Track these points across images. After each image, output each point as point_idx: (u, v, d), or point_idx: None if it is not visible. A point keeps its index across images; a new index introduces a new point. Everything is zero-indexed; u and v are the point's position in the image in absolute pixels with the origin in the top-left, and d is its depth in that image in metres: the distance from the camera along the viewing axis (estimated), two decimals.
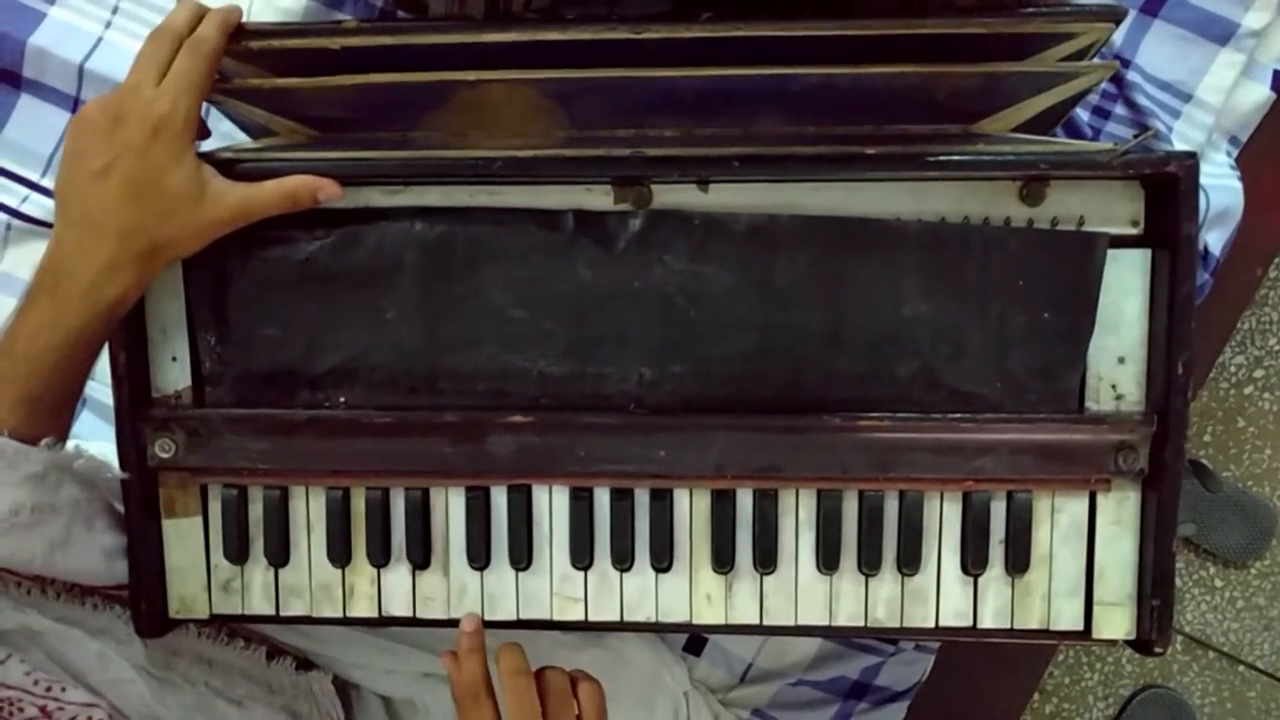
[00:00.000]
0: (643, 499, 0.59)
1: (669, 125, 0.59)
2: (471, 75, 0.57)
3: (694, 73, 0.56)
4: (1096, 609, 0.59)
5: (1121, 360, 0.57)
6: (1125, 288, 0.57)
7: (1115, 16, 0.57)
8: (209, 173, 0.55)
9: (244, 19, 0.58)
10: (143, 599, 0.60)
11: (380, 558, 0.60)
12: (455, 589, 0.61)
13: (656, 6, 0.58)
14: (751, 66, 0.56)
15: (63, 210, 0.55)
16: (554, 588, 0.60)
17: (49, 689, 0.51)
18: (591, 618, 0.61)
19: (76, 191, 0.54)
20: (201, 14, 0.56)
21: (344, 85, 0.57)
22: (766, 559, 0.59)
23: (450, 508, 0.60)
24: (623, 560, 0.60)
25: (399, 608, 0.61)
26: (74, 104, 0.79)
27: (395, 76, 0.57)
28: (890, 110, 0.59)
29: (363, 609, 0.61)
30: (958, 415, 0.57)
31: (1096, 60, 0.61)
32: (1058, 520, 0.59)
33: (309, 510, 0.61)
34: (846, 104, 0.58)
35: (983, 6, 0.56)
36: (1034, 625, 0.59)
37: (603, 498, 0.60)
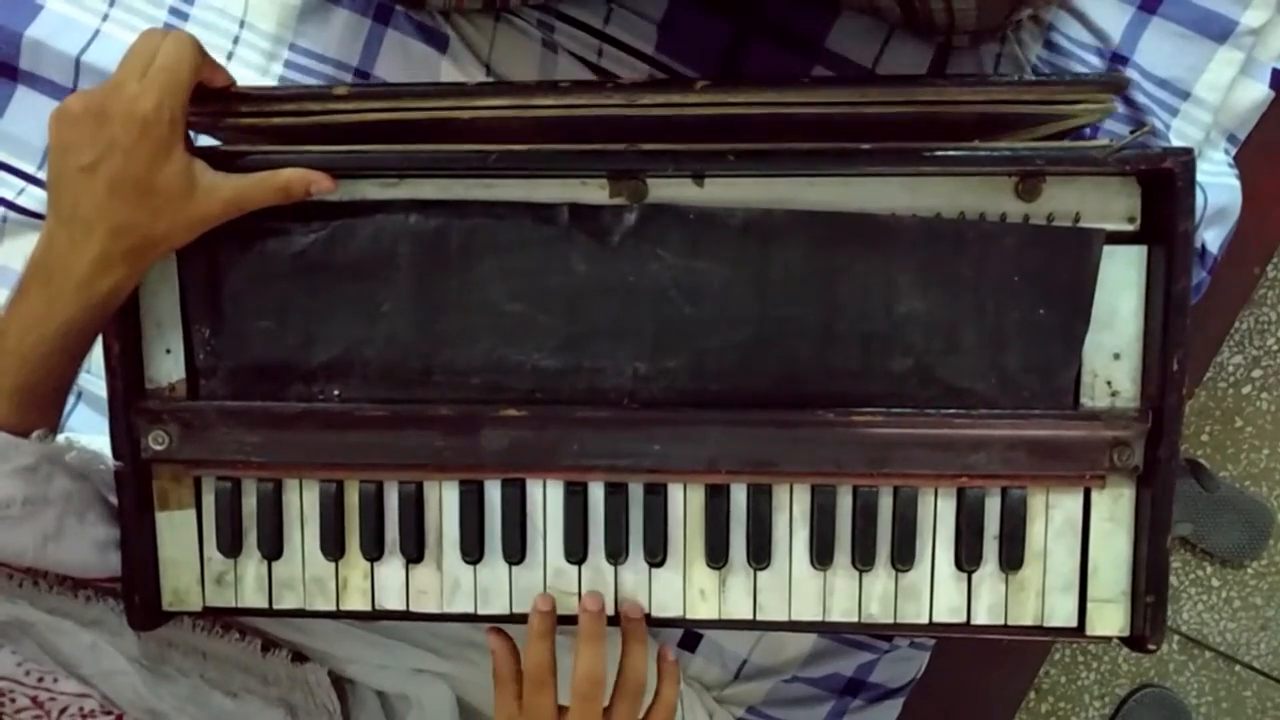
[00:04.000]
0: (637, 493, 0.59)
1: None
2: (466, 114, 0.57)
3: (692, 112, 0.55)
4: (1090, 606, 0.59)
5: (1117, 357, 0.57)
6: (1121, 284, 0.57)
7: (1116, 86, 0.56)
8: (199, 167, 0.55)
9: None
10: (136, 591, 0.60)
11: (374, 551, 0.60)
12: (448, 583, 0.61)
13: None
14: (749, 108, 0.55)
15: (53, 205, 0.54)
16: (547, 582, 0.60)
17: (40, 680, 0.51)
18: None
19: (66, 187, 0.53)
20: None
21: (339, 123, 0.57)
22: (760, 554, 0.59)
23: (444, 501, 0.60)
24: (616, 555, 0.59)
25: (392, 601, 0.61)
26: None
27: (390, 114, 0.57)
28: (887, 139, 0.59)
29: (356, 602, 0.61)
30: (952, 411, 0.57)
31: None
32: (1052, 517, 0.59)
33: (303, 503, 0.61)
34: (845, 135, 0.57)
35: (981, 75, 0.55)
36: (1028, 622, 0.59)
37: (596, 492, 0.60)
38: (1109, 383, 0.58)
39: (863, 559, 0.59)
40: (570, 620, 0.60)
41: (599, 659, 0.57)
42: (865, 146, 0.55)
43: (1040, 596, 0.59)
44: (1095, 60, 0.73)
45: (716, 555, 0.59)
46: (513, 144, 0.56)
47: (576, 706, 0.57)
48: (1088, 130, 0.76)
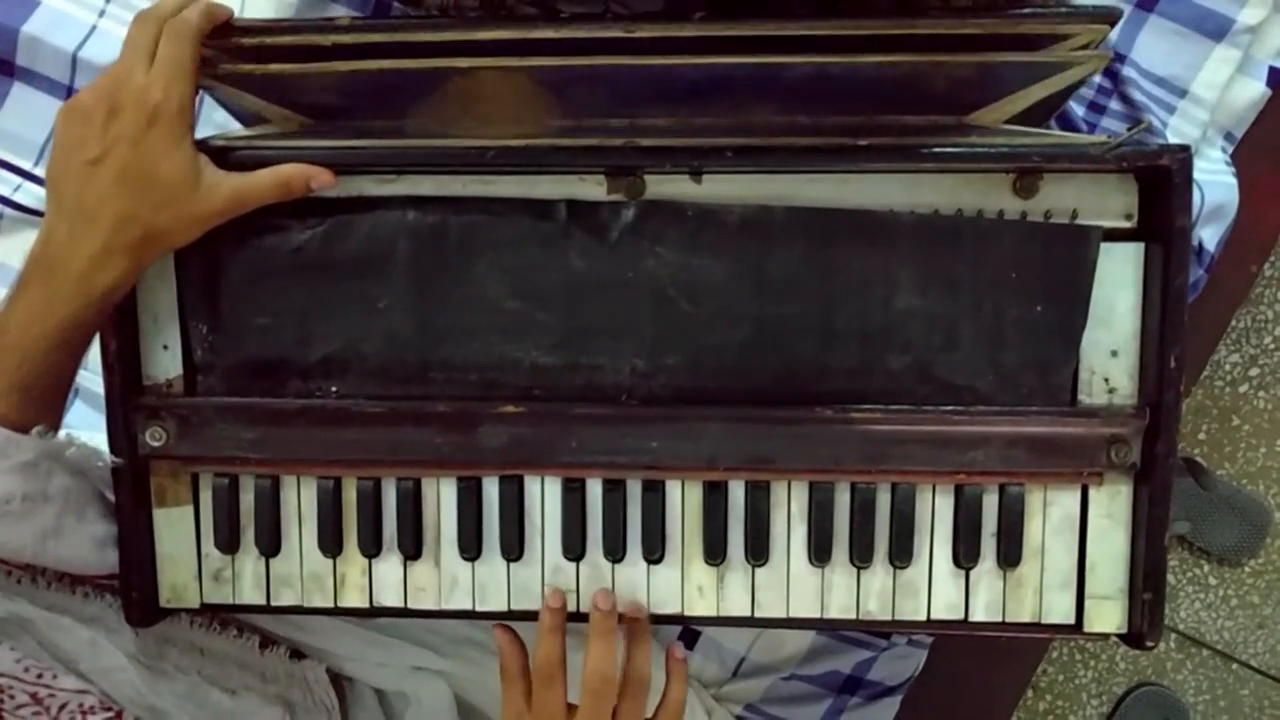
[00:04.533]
0: (634, 490, 0.59)
1: (662, 114, 0.59)
2: (464, 62, 0.57)
3: (687, 61, 0.56)
4: (1088, 603, 0.59)
5: (1114, 354, 0.57)
6: (1118, 281, 0.57)
7: (1110, 18, 0.57)
8: (204, 161, 0.55)
9: (239, 14, 0.58)
10: (133, 588, 0.60)
11: (371, 548, 0.60)
12: (446, 580, 0.61)
13: (650, 4, 0.58)
14: (745, 55, 0.55)
15: (54, 199, 0.54)
16: (545, 579, 0.60)
17: (40, 676, 0.51)
18: (583, 609, 0.60)
19: (69, 181, 0.54)
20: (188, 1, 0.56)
21: (336, 71, 0.57)
22: (758, 551, 0.59)
23: (442, 498, 0.60)
24: (614, 551, 0.59)
25: (390, 598, 0.61)
26: (67, 92, 0.79)
27: (388, 63, 0.57)
28: (884, 101, 0.59)
29: (354, 599, 0.61)
30: (950, 408, 0.57)
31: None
32: (1050, 514, 0.59)
33: (300, 500, 0.60)
34: (840, 94, 0.58)
35: (977, 7, 0.56)
36: (1025, 619, 0.59)
37: (594, 489, 0.60)
38: (1106, 380, 0.58)
39: (861, 556, 0.59)
40: (571, 618, 0.60)
41: (610, 655, 0.57)
42: (863, 143, 0.55)
43: (1038, 593, 0.59)
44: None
45: (714, 552, 0.59)
46: (508, 104, 0.56)
47: (587, 703, 0.57)
48: (1085, 128, 0.76)
